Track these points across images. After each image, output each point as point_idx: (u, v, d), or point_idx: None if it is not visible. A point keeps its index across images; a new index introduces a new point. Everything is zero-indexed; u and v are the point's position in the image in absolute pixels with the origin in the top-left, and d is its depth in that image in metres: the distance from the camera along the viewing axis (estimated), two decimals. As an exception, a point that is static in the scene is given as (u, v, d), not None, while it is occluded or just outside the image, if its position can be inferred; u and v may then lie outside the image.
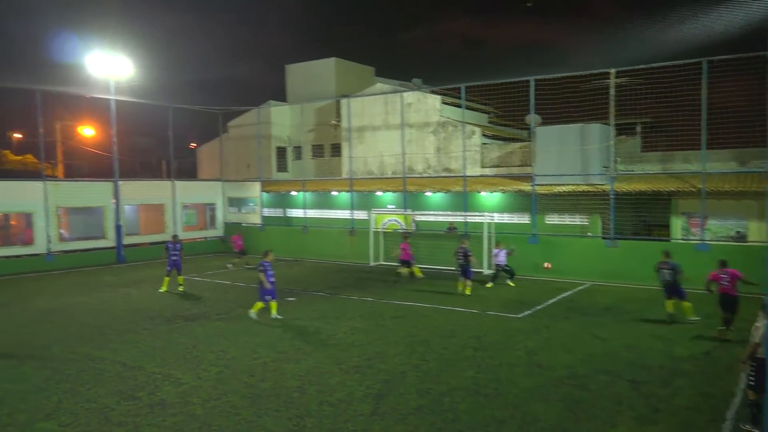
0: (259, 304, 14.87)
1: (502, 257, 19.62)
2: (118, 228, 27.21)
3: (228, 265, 24.93)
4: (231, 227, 31.95)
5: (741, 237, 20.00)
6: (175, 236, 20.33)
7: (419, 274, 21.34)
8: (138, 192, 28.89)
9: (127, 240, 27.84)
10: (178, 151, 38.12)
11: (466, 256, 18.15)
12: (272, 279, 14.83)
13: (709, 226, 20.26)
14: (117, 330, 13.87)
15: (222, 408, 8.77)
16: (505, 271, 19.80)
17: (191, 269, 24.26)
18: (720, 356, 11.30)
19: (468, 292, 17.92)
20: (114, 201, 27.28)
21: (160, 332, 13.60)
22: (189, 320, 14.81)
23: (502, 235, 22.52)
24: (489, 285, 19.45)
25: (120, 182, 27.61)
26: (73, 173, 49.30)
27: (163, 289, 19.04)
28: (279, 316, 14.75)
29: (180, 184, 30.77)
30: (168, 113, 30.57)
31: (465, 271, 18.08)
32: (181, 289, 19.04)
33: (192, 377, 10.23)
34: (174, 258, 18.93)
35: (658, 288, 18.24)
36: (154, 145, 57.17)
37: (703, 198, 19.03)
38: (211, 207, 32.50)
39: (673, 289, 14.25)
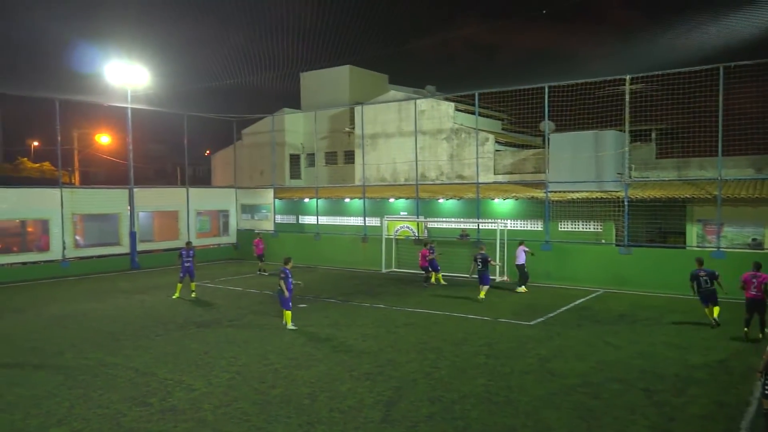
0: (288, 313, 14.63)
1: (522, 257, 19.79)
2: (132, 235, 27.47)
3: (258, 272, 24.98)
4: (244, 233, 32.13)
5: (758, 244, 19.72)
6: (188, 243, 20.49)
7: (442, 282, 21.53)
8: (152, 199, 29.16)
9: (141, 246, 28.08)
10: (192, 159, 38.59)
11: (485, 261, 18.26)
12: (291, 287, 14.64)
13: (725, 234, 20.00)
14: (130, 336, 13.98)
15: (233, 414, 8.79)
16: (520, 275, 19.90)
17: (204, 276, 24.41)
18: (735, 365, 11.12)
19: (482, 296, 18.01)
20: (129, 208, 27.56)
21: (172, 338, 13.68)
22: (201, 326, 14.89)
23: (514, 241, 22.40)
24: (521, 290, 19.62)
25: (135, 189, 27.90)
26: (89, 180, 49.96)
27: (176, 295, 19.17)
28: (293, 327, 14.52)
29: (194, 191, 31.03)
30: (183, 121, 30.88)
31: (483, 278, 18.18)
32: (193, 295, 19.16)
33: (203, 383, 10.26)
34: (187, 264, 19.08)
35: (672, 295, 18.16)
36: (169, 152, 57.82)
37: (719, 205, 18.79)
38: (225, 214, 32.70)
39: (711, 296, 14.37)
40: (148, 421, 8.55)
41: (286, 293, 14.49)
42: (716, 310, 14.40)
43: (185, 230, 29.95)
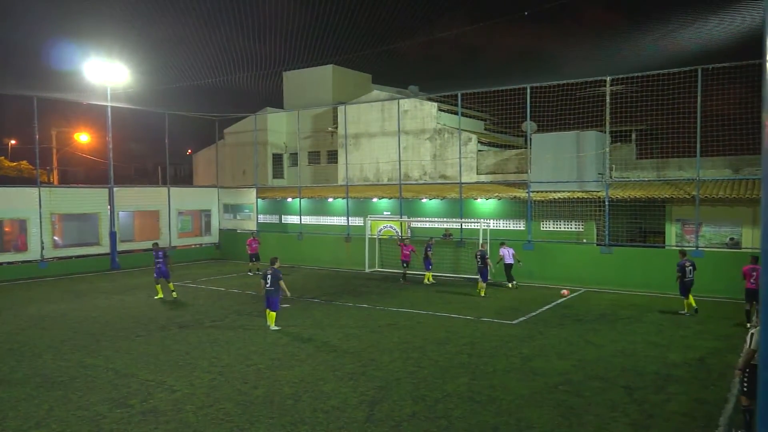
0: (274, 315, 14.53)
1: (509, 257, 20.39)
2: (112, 234, 27.14)
3: (249, 272, 24.67)
4: (226, 233, 31.91)
5: (735, 244, 20.06)
6: (155, 244, 20.19)
7: (431, 280, 21.85)
8: (133, 198, 28.84)
9: (121, 246, 27.76)
10: (173, 158, 38.19)
11: (483, 258, 18.83)
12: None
13: (704, 233, 20.32)
14: (110, 337, 13.80)
15: (215, 415, 8.72)
16: (507, 273, 20.52)
17: (186, 276, 24.21)
18: (713, 363, 11.30)
19: (482, 293, 18.70)
20: (109, 207, 27.22)
21: (153, 339, 13.53)
22: (183, 327, 14.75)
23: (496, 241, 22.55)
24: (511, 285, 20.32)
25: (115, 188, 27.56)
26: (68, 179, 49.25)
27: (159, 296, 18.95)
28: (277, 328, 14.46)
29: (175, 191, 30.74)
30: (164, 120, 30.57)
31: (482, 274, 18.84)
32: (174, 295, 18.96)
33: (185, 384, 10.17)
34: (158, 265, 18.64)
35: (652, 294, 18.43)
36: (150, 151, 57.20)
37: (698, 205, 19.09)
38: (207, 213, 32.45)
39: (691, 286, 15.77)
40: (128, 423, 8.45)
41: (288, 293, 14.58)
42: (692, 299, 15.71)
43: (166, 230, 29.66)
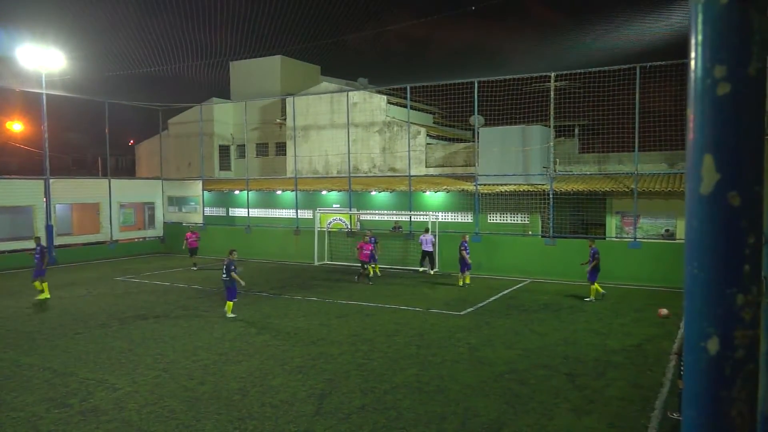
0: (230, 304, 14.93)
1: (426, 244, 21.24)
2: (48, 228, 26.00)
3: (193, 267, 23.89)
4: (171, 227, 31.09)
5: (670, 235, 20.97)
6: (36, 238, 19.38)
7: (378, 273, 21.61)
8: (71, 190, 27.68)
9: (58, 240, 26.64)
10: (115, 149, 36.89)
11: (460, 251, 19.10)
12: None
13: (641, 225, 21.15)
14: (46, 335, 13.25)
15: (159, 413, 8.51)
16: (430, 260, 21.73)
17: (129, 270, 23.49)
18: (650, 349, 11.81)
19: (466, 281, 19.17)
20: (45, 200, 26.05)
21: (93, 336, 13.07)
22: (125, 323, 14.31)
23: (446, 233, 22.85)
24: (427, 270, 21.43)
25: (51, 180, 26.39)
26: (0, 170, 46.76)
27: (43, 296, 17.32)
28: (233, 315, 14.86)
29: (116, 183, 29.69)
30: (104, 109, 29.43)
31: (463, 264, 19.05)
32: (41, 296, 17.29)
33: (127, 382, 9.88)
34: (36, 261, 17.49)
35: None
36: (90, 141, 54.98)
37: (636, 198, 19.85)
38: (150, 206, 31.50)
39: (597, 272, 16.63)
40: (67, 423, 8.14)
41: (242, 283, 15.17)
42: (597, 285, 16.76)
43: (107, 223, 28.65)
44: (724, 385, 0.85)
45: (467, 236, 19.75)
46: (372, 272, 21.15)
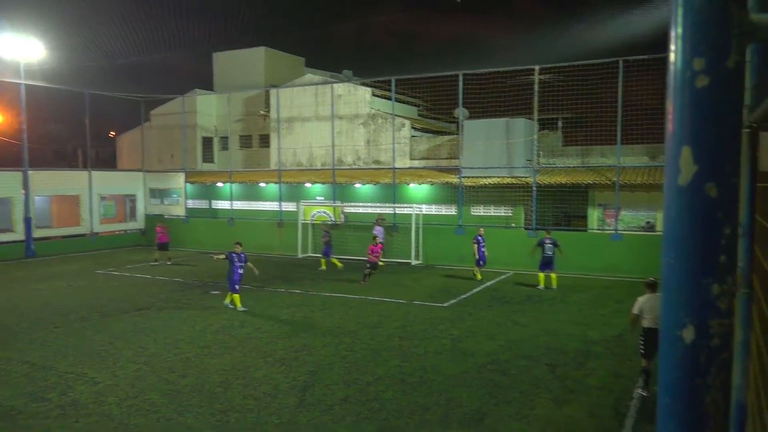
0: (237, 296, 14.84)
1: (380, 234, 21.35)
2: (27, 220, 25.60)
3: (152, 263, 23.26)
4: (153, 219, 30.77)
5: (651, 227, 21.23)
6: None
7: (338, 265, 21.43)
8: (51, 182, 27.25)
9: (37, 233, 26.23)
10: (96, 140, 36.29)
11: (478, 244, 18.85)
12: (240, 271, 14.82)
13: (623, 217, 21.38)
14: (25, 328, 13.06)
15: (140, 407, 8.45)
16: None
17: (110, 263, 23.24)
18: (629, 339, 11.94)
19: (477, 276, 18.83)
20: (23, 192, 25.63)
21: (73, 329, 12.92)
22: (105, 316, 14.16)
23: (430, 226, 22.93)
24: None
25: (30, 172, 25.96)
26: (-23, 162, 45.85)
27: None
28: (235, 307, 14.79)
29: (97, 174, 29.28)
30: (84, 99, 28.97)
31: (477, 258, 18.81)
32: None
33: (108, 376, 9.78)
34: None
35: (575, 275, 19.24)
36: (70, 133, 54.15)
37: (617, 190, 20.05)
38: (132, 198, 31.13)
39: (551, 263, 16.99)
40: (46, 418, 8.05)
41: (256, 271, 15.12)
42: (554, 277, 17.05)
43: (87, 215, 28.28)
44: (699, 373, 0.86)
45: (482, 230, 19.39)
46: (324, 265, 21.24)
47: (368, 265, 18.34)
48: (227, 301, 15.03)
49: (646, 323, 8.71)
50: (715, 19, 0.86)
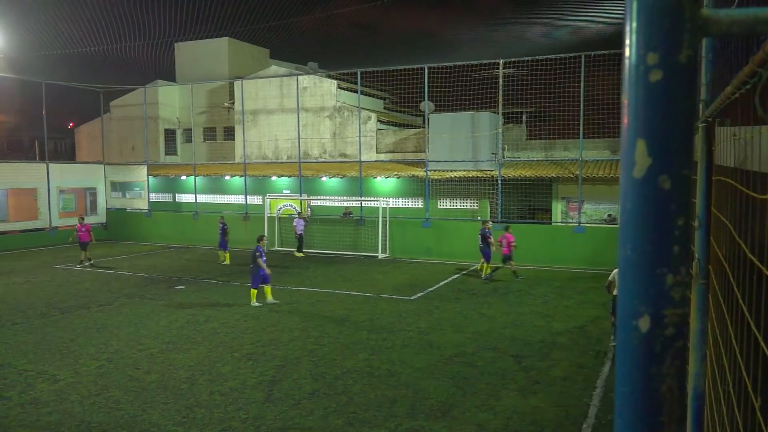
0: (254, 291, 14.55)
1: (300, 226, 22.32)
2: (-18, 215, 24.75)
3: (84, 264, 21.03)
4: (114, 213, 30.09)
5: (612, 220, 21.71)
6: None
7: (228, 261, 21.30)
8: (5, 175, 26.37)
9: (-7, 228, 25.38)
10: (53, 131, 35.28)
11: (484, 238, 18.04)
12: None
13: (585, 210, 21.81)
14: (-19, 326, 12.65)
15: (103, 404, 8.28)
16: (299, 243, 22.51)
17: (70, 258, 22.65)
18: (592, 330, 12.24)
19: (486, 271, 18.09)
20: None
21: (32, 326, 12.56)
22: (66, 312, 13.81)
23: (397, 219, 23.00)
24: (299, 254, 22.36)
25: (-16, 164, 25.06)
26: (-73, 154, 44.11)
27: None
28: (276, 301, 14.74)
29: (55, 167, 28.44)
30: (41, 89, 28.07)
31: (483, 254, 18.12)
32: None
33: (69, 373, 9.55)
34: None
35: (540, 267, 19.57)
36: (26, 124, 52.46)
37: (580, 184, 20.43)
38: (92, 191, 30.36)
39: (484, 254, 17.84)
40: (6, 417, 7.83)
41: (269, 271, 14.60)
42: (486, 267, 17.82)
43: (46, 209, 27.47)
44: (655, 362, 0.88)
45: (489, 223, 18.72)
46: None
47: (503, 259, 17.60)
48: (255, 301, 14.51)
49: (615, 291, 9.02)
50: (667, 13, 0.87)
